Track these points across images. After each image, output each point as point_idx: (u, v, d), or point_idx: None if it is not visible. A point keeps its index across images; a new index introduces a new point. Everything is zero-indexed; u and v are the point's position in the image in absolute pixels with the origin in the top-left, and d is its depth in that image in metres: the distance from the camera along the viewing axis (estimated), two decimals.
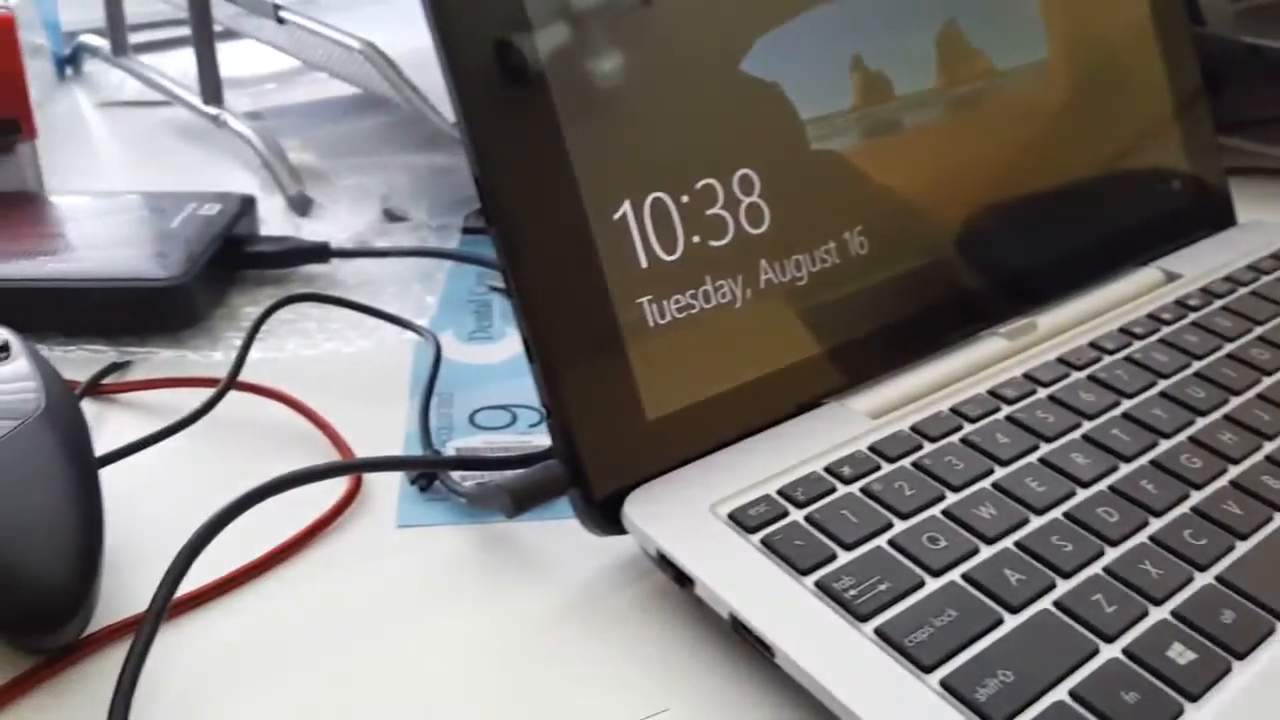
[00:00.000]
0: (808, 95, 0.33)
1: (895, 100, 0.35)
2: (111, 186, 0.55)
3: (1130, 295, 0.39)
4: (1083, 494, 0.29)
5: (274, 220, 0.49)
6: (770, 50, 0.32)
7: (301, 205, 0.50)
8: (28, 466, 0.27)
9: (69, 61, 0.71)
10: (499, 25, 0.28)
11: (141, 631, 0.25)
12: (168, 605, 0.26)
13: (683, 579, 0.27)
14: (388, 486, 0.33)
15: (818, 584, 0.26)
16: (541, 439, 0.36)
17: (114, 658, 0.27)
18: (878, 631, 0.24)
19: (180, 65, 0.66)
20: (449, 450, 0.35)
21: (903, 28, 0.35)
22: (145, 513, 0.31)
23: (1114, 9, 0.42)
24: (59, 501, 0.27)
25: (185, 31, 0.72)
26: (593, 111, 0.29)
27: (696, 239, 0.31)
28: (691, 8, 0.31)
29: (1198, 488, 0.29)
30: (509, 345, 0.41)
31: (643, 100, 0.30)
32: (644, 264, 0.30)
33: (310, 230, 0.49)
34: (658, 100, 0.30)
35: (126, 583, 0.29)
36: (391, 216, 0.49)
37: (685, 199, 0.31)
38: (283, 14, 0.48)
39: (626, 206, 0.30)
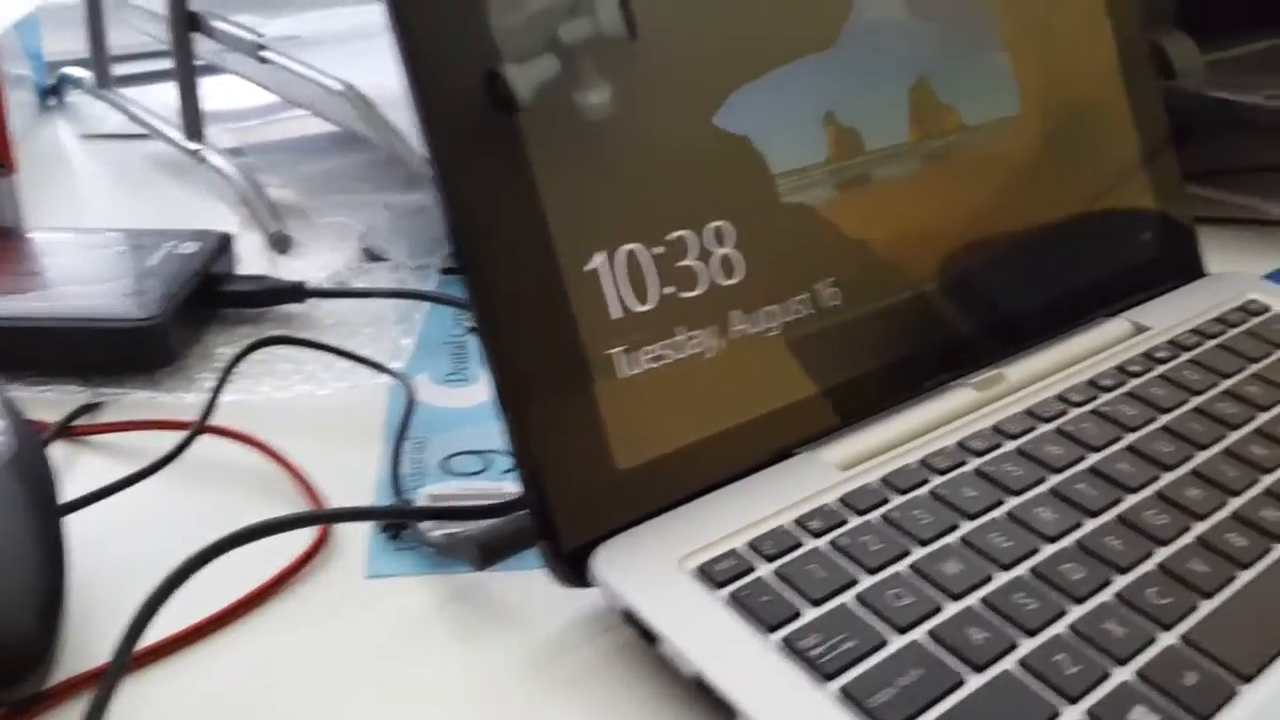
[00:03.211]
0: (780, 149, 0.33)
1: (866, 155, 0.35)
2: (93, 220, 0.55)
3: (1099, 347, 0.39)
4: (1048, 549, 0.29)
5: (253, 258, 0.49)
6: (744, 105, 0.33)
7: (281, 243, 0.50)
8: None
9: (52, 92, 0.71)
10: (473, 74, 0.28)
11: (102, 686, 0.25)
12: (129, 659, 0.26)
13: (649, 636, 0.27)
14: (358, 534, 0.33)
15: (783, 641, 0.26)
16: (514, 485, 0.36)
17: (77, 711, 0.27)
18: (842, 691, 0.24)
19: (165, 98, 0.67)
20: (421, 496, 0.35)
21: (875, 84, 0.36)
22: (113, 559, 0.31)
23: (1085, 66, 0.43)
24: (21, 552, 0.27)
25: (170, 64, 0.72)
26: (567, 164, 0.29)
27: (669, 290, 0.31)
28: (667, 62, 0.31)
29: (1163, 544, 0.29)
30: (484, 389, 0.41)
31: (617, 153, 0.30)
32: (616, 315, 0.30)
33: (289, 268, 0.49)
34: (632, 153, 0.31)
35: (92, 632, 0.29)
36: (371, 256, 0.50)
37: (658, 250, 0.31)
38: (264, 53, 0.48)
39: (600, 258, 0.30)
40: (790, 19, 0.34)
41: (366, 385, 0.40)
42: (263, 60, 0.49)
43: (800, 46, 0.34)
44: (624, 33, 0.30)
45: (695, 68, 0.32)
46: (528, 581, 0.31)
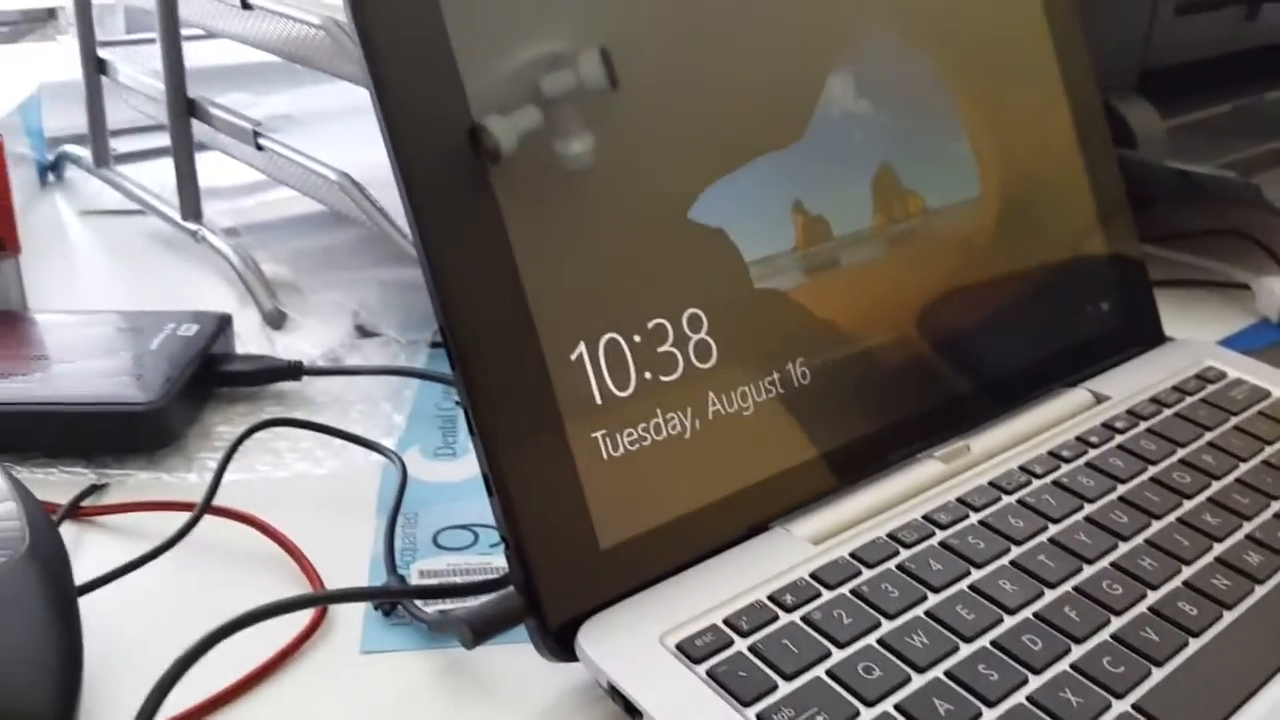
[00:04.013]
0: (751, 238, 0.35)
1: (834, 241, 0.37)
2: (92, 298, 0.57)
3: (1060, 417, 0.41)
4: (1009, 621, 0.31)
5: (248, 333, 0.51)
6: (717, 198, 0.35)
7: (276, 320, 0.52)
8: (12, 603, 0.29)
9: (51, 169, 0.73)
10: (461, 180, 0.30)
11: None
12: None
13: (632, 710, 0.28)
14: (353, 611, 0.34)
15: (759, 716, 0.27)
16: (502, 560, 0.37)
17: None
18: None
19: (160, 174, 0.68)
20: (413, 572, 0.36)
21: (840, 173, 0.38)
22: (122, 641, 0.32)
23: (1043, 143, 0.45)
24: (41, 636, 0.28)
25: (167, 139, 0.74)
26: (550, 262, 0.31)
27: (648, 375, 0.33)
28: (642, 160, 0.33)
29: (1118, 614, 0.31)
30: (472, 463, 0.43)
31: (598, 248, 0.32)
32: (598, 400, 0.32)
33: (283, 344, 0.51)
34: (612, 247, 0.32)
35: (102, 715, 0.30)
36: (363, 331, 0.51)
37: (637, 338, 0.33)
38: (261, 141, 0.50)
39: (582, 348, 0.32)
40: (760, 115, 0.36)
41: (360, 463, 0.42)
42: (260, 147, 0.51)
43: (770, 140, 0.36)
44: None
45: (670, 165, 0.34)
46: (517, 655, 0.32)
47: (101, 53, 0.66)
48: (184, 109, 0.55)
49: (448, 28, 0.30)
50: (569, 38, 0.32)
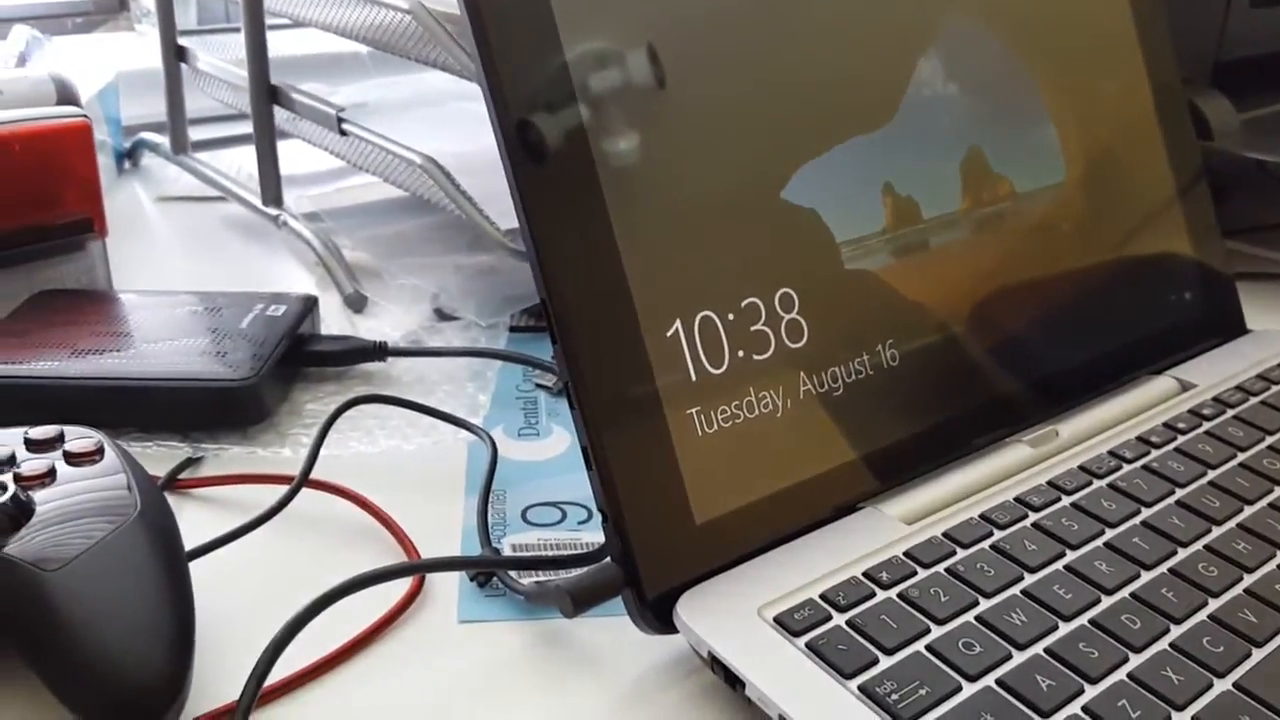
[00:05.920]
0: (843, 219, 0.36)
1: (923, 223, 0.38)
2: (172, 282, 0.58)
3: (1147, 404, 0.41)
4: (1107, 601, 0.31)
5: (330, 316, 0.52)
6: (809, 179, 0.35)
7: (357, 304, 0.53)
8: (127, 566, 0.30)
9: (128, 156, 0.75)
10: (565, 161, 0.30)
11: None
12: (255, 700, 0.28)
13: (733, 680, 0.29)
14: (448, 582, 0.35)
15: (861, 688, 0.27)
16: (590, 536, 0.38)
17: None
18: None
19: (234, 161, 0.70)
20: (504, 546, 0.37)
21: (930, 155, 0.38)
22: (228, 606, 0.33)
23: (1126, 130, 0.45)
24: (156, 599, 0.29)
25: (239, 127, 0.76)
26: (648, 240, 0.32)
27: (741, 353, 0.33)
28: (736, 143, 0.34)
29: (1215, 595, 0.31)
30: (555, 443, 0.44)
31: (694, 227, 0.33)
32: (693, 377, 0.32)
33: (364, 328, 0.51)
34: (707, 227, 0.33)
35: (212, 675, 0.31)
36: (442, 315, 0.52)
37: (731, 316, 0.33)
38: (345, 126, 0.51)
39: (678, 325, 0.32)
40: (852, 98, 0.36)
41: (448, 440, 0.42)
42: (344, 132, 0.52)
43: (862, 123, 0.37)
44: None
45: (766, 144, 0.34)
46: (609, 627, 0.33)
47: (181, 41, 0.67)
48: (267, 94, 0.56)
49: (554, 9, 0.31)
50: (667, 25, 0.32)
